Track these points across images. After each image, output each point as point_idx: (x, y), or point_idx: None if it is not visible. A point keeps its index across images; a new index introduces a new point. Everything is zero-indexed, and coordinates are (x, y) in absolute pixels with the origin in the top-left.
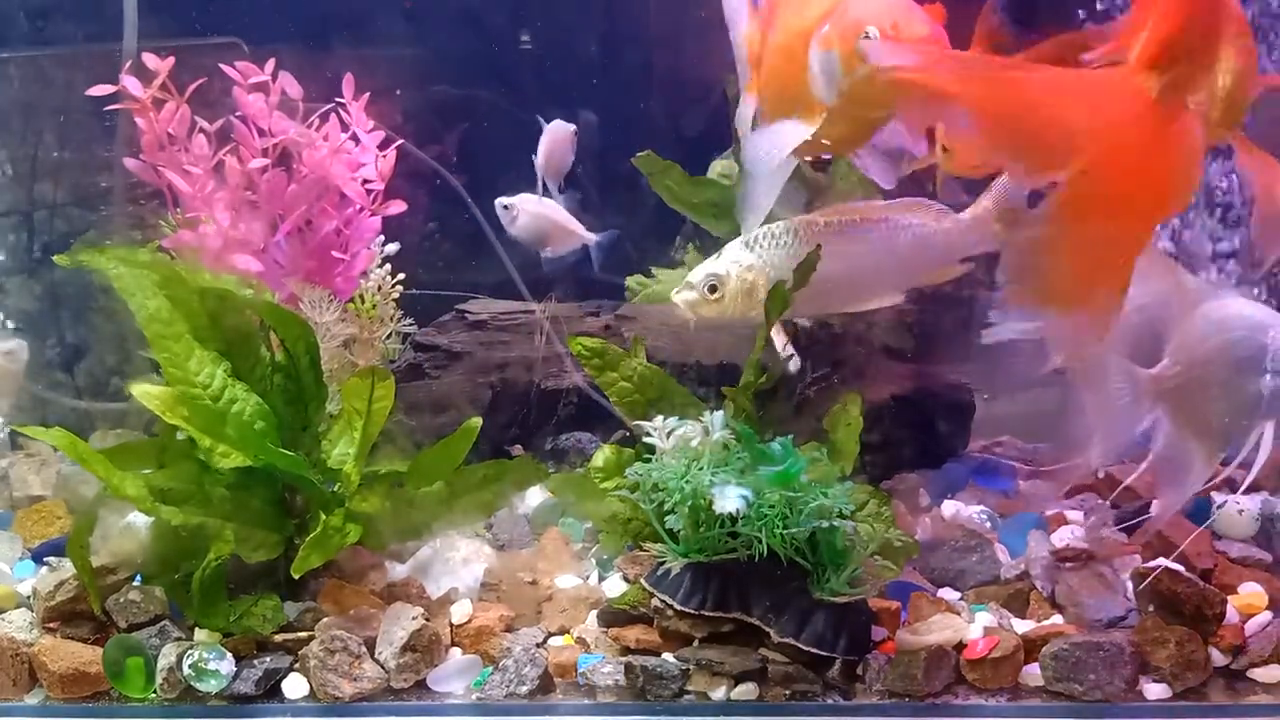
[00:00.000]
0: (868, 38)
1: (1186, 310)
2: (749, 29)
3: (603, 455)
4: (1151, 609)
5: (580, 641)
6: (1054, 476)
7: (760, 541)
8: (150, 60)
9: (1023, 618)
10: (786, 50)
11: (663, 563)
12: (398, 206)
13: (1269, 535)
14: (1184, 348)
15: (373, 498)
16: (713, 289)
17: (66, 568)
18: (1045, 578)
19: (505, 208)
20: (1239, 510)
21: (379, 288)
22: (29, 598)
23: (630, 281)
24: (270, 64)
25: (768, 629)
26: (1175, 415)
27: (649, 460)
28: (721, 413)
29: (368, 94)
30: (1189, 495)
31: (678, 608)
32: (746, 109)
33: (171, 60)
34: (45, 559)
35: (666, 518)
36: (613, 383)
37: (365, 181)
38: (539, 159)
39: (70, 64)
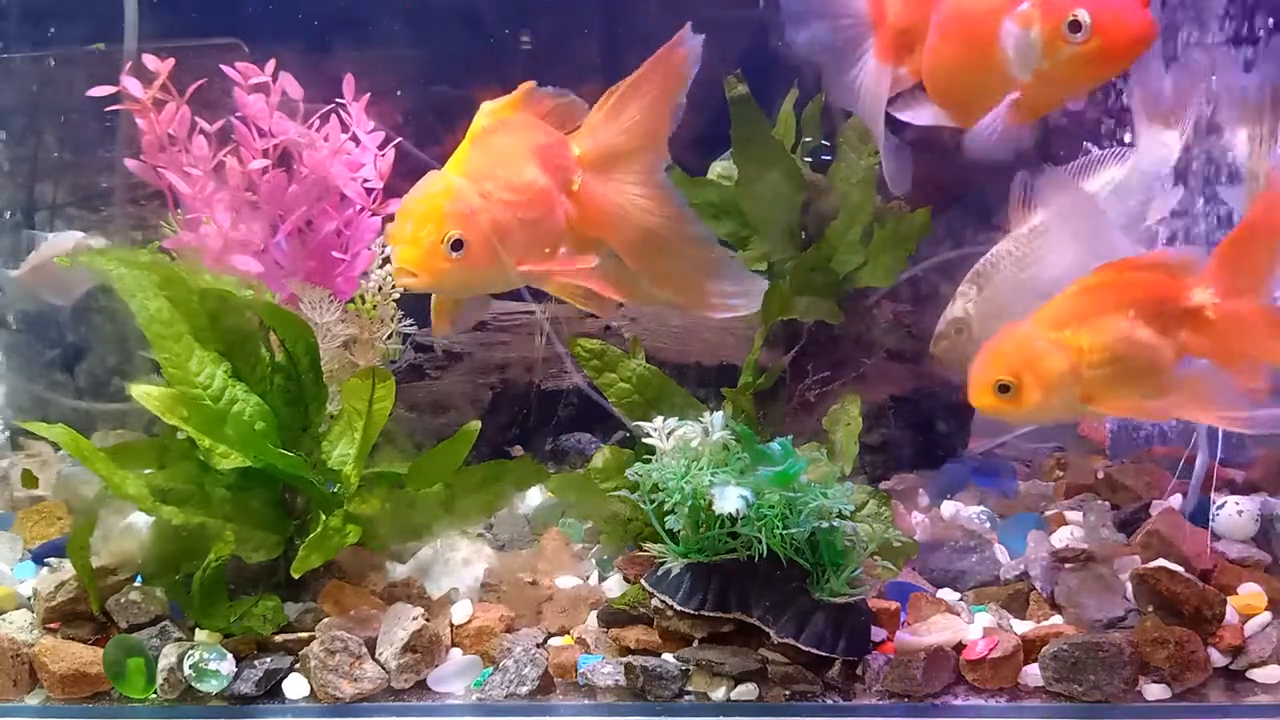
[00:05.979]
0: (1076, 22)
1: None
2: None
3: (602, 456)
4: (1151, 609)
5: (580, 642)
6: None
7: (760, 542)
8: (150, 61)
9: (1022, 618)
10: (970, 24)
11: (663, 563)
12: (398, 205)
13: (1268, 536)
14: None
15: (373, 499)
16: (959, 330)
17: (67, 568)
18: (1045, 578)
19: None
20: (1238, 511)
21: (379, 288)
22: (29, 598)
23: None
24: (270, 64)
25: (767, 629)
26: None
27: (649, 461)
28: (721, 413)
29: (368, 95)
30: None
31: (677, 608)
32: (879, 76)
33: (172, 61)
34: (46, 560)
35: (666, 518)
36: (612, 384)
37: (365, 181)
38: None
39: (71, 64)
